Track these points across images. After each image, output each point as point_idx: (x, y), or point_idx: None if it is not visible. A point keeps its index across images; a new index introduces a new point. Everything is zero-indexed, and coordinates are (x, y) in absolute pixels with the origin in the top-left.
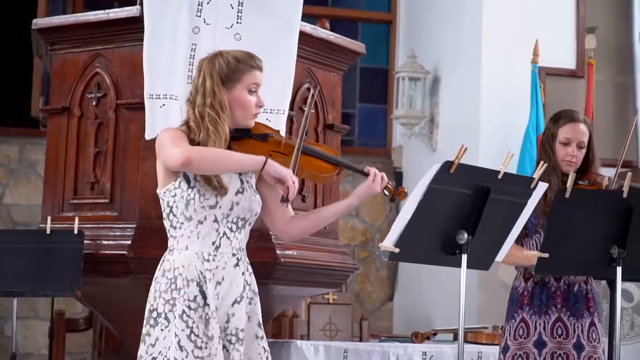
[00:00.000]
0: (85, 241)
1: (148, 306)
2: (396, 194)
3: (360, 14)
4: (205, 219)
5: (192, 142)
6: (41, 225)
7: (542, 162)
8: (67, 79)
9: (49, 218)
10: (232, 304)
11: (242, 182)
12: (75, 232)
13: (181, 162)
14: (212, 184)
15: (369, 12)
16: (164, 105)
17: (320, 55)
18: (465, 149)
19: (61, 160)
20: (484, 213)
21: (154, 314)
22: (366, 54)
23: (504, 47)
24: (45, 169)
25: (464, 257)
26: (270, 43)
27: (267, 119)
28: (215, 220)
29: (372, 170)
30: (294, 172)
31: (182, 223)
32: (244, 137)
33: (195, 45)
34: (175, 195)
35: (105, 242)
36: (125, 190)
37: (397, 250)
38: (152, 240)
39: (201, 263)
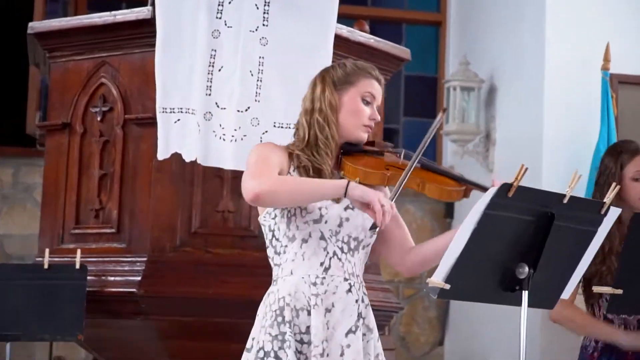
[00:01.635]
0: (88, 277)
1: (250, 344)
2: None
3: (405, 15)
4: (310, 236)
5: (293, 158)
6: (38, 259)
7: (614, 184)
8: (68, 91)
9: (47, 250)
10: (347, 334)
11: None
12: (77, 266)
13: (250, 198)
14: None
15: (415, 12)
16: (179, 120)
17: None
18: (526, 169)
19: (61, 184)
20: (548, 243)
21: (260, 354)
22: (412, 60)
23: (570, 51)
24: (43, 194)
25: (525, 294)
26: (302, 48)
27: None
28: (322, 238)
29: (497, 182)
30: (397, 192)
31: (286, 246)
32: (357, 152)
33: (215, 51)
34: (276, 216)
35: (112, 279)
36: (135, 218)
37: (447, 286)
38: (165, 276)
39: (308, 288)
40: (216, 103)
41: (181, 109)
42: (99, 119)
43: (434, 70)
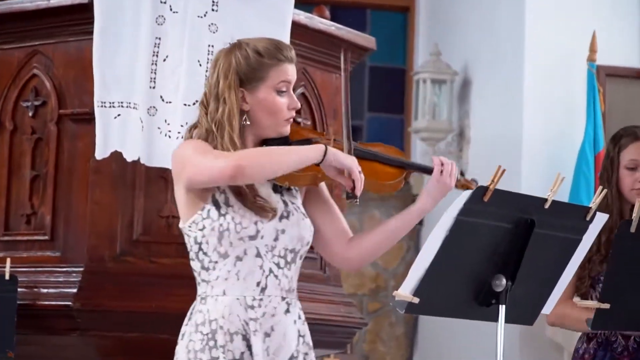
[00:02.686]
0: (19, 289)
1: None
2: (470, 186)
3: (370, 0)
4: (245, 253)
5: None
6: None
7: (600, 187)
8: None
9: None
10: None
11: (285, 203)
12: (7, 277)
13: (230, 172)
14: (254, 204)
15: None
16: (119, 115)
17: (319, 52)
18: (504, 170)
19: None
20: (527, 252)
21: None
22: (377, 50)
23: (552, 40)
24: None
25: (502, 308)
26: (255, 36)
27: None
28: (258, 255)
29: (437, 159)
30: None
31: (216, 262)
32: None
33: (160, 39)
34: (204, 227)
35: (45, 291)
36: (71, 224)
37: (416, 300)
38: (104, 289)
39: (244, 311)
40: (161, 96)
41: (122, 103)
42: (30, 114)
43: (401, 61)
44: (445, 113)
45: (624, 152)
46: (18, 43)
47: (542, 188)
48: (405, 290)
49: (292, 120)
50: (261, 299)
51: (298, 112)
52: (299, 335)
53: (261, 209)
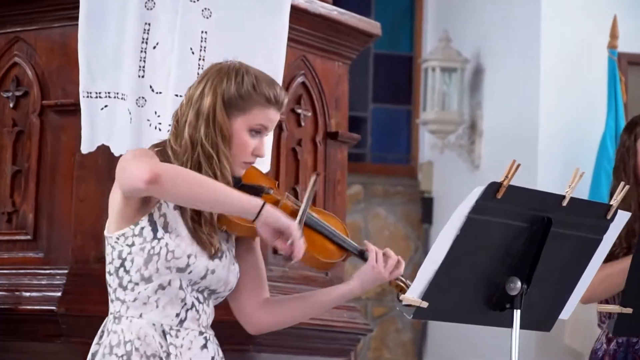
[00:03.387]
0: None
1: None
2: (404, 289)
3: None
4: (169, 284)
5: None
6: None
7: (622, 183)
8: None
9: None
10: None
11: (220, 243)
12: None
13: (147, 177)
14: (202, 235)
15: None
16: (106, 106)
17: (320, 39)
18: (518, 165)
19: None
20: (544, 253)
21: None
22: (382, 36)
23: (570, 26)
24: None
25: (517, 313)
26: (251, 22)
27: None
28: (181, 287)
29: (372, 249)
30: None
31: (137, 284)
32: None
33: (149, 25)
34: (133, 244)
35: (27, 294)
36: (55, 223)
37: (425, 304)
38: (90, 292)
39: (161, 335)
40: (150, 86)
41: (109, 93)
42: (11, 105)
43: (408, 48)
44: (456, 103)
45: None
46: None
47: (559, 184)
48: (413, 294)
49: (250, 165)
50: (179, 330)
51: (298, 102)
52: None
53: (205, 243)
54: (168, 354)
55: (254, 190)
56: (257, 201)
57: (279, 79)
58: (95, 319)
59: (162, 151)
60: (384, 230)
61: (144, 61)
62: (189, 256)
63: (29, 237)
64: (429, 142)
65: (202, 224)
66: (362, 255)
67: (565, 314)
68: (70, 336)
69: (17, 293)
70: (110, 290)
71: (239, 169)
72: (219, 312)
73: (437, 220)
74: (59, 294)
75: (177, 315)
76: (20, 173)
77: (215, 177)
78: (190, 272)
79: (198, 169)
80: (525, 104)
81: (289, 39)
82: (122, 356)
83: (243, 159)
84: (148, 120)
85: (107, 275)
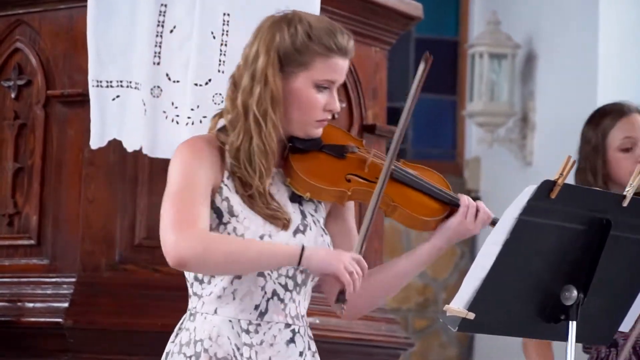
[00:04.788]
0: (0, 303)
1: None
2: None
3: None
4: None
5: (232, 146)
6: None
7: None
8: None
9: None
10: None
11: (303, 215)
12: None
13: (174, 264)
14: (266, 210)
15: None
16: (118, 97)
17: (355, 21)
18: (574, 162)
19: None
20: (602, 259)
21: None
22: (425, 19)
23: (631, 6)
24: None
25: (573, 325)
26: (279, 2)
27: None
28: (261, 274)
29: (464, 202)
30: (370, 221)
31: (213, 276)
32: (310, 150)
33: (166, 6)
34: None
35: (31, 305)
36: (61, 226)
37: (471, 316)
38: (100, 303)
39: (237, 335)
40: (167, 75)
41: (121, 82)
42: (13, 96)
43: (453, 32)
44: (506, 93)
45: (611, 132)
46: None
47: None
48: (459, 305)
49: (325, 123)
50: (259, 324)
51: None
52: None
53: (272, 217)
54: (242, 356)
55: (338, 150)
56: (294, 251)
57: None
58: (106, 332)
59: (225, 127)
60: (426, 234)
61: (160, 46)
62: (261, 237)
63: (32, 241)
64: (477, 136)
65: (257, 198)
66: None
67: (625, 326)
68: (78, 352)
69: (19, 304)
70: (187, 285)
71: (313, 130)
72: None
73: None
74: (66, 304)
75: (257, 307)
76: (23, 171)
77: (264, 147)
78: None
79: (249, 141)
80: (582, 93)
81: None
82: (190, 357)
83: (314, 117)
84: (164, 112)
85: (185, 272)
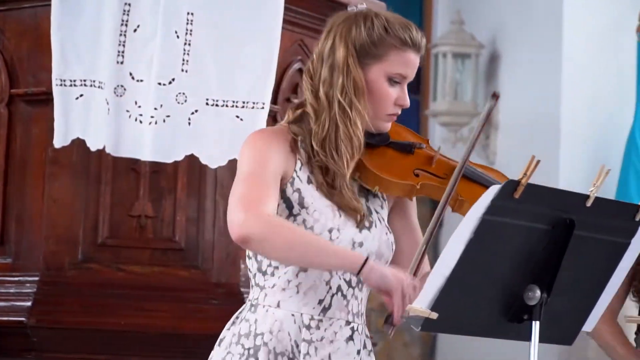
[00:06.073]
0: None
1: None
2: None
3: None
4: None
5: (316, 136)
6: None
7: None
8: None
9: None
10: None
11: (369, 211)
12: None
13: (236, 239)
14: (348, 200)
15: None
16: (82, 95)
17: (319, 20)
18: (538, 161)
19: None
20: (566, 259)
21: None
22: None
23: (596, 6)
24: None
25: (536, 325)
26: (243, 2)
27: (237, 116)
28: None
29: None
30: (437, 222)
31: (277, 267)
32: (379, 145)
33: (130, 5)
34: None
35: None
36: (24, 225)
37: (434, 315)
38: (64, 302)
39: (298, 330)
40: (130, 74)
41: (85, 81)
42: None
43: None
44: (470, 93)
45: None
46: None
47: (583, 182)
48: (422, 304)
49: (395, 117)
50: (320, 320)
51: (294, 91)
52: None
53: (350, 208)
54: (300, 353)
55: (405, 147)
56: (357, 259)
57: (273, 66)
58: (70, 331)
59: (300, 117)
60: None
61: (124, 46)
62: (330, 230)
63: None
64: (440, 135)
65: (338, 187)
66: None
67: (589, 325)
68: (42, 351)
69: None
70: (250, 275)
71: (383, 123)
72: (182, 324)
73: (449, 222)
74: (29, 303)
75: (320, 302)
76: None
77: (351, 135)
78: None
79: (336, 129)
80: (546, 94)
81: (285, 22)
82: (248, 349)
83: (385, 111)
84: (127, 111)
85: (246, 260)
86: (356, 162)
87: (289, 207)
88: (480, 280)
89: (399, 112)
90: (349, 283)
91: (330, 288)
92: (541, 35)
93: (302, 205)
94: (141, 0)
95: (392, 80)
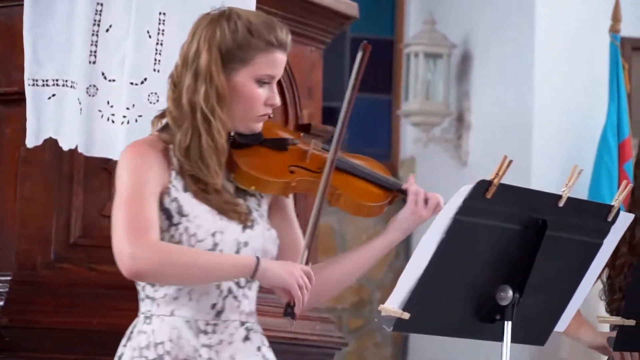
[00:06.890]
0: None
1: None
2: None
3: None
4: None
5: (180, 146)
6: None
7: (624, 181)
8: None
9: None
10: None
11: (249, 210)
12: None
13: (129, 275)
14: (224, 205)
15: None
16: (54, 95)
17: (290, 20)
18: (510, 161)
19: None
20: (538, 259)
21: None
22: (360, 18)
23: (568, 7)
24: None
25: (508, 325)
26: (215, 1)
27: None
28: None
29: (412, 190)
30: (317, 216)
31: None
32: (251, 144)
33: (102, 5)
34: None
35: None
36: None
37: (406, 316)
38: (37, 301)
39: (195, 336)
40: (103, 73)
41: (57, 81)
42: None
43: (389, 32)
44: (442, 93)
45: None
46: None
47: (555, 182)
48: (393, 304)
49: (266, 117)
50: (216, 324)
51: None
52: None
53: (231, 211)
54: (200, 357)
55: (279, 144)
56: (249, 263)
57: None
58: (43, 331)
59: (168, 125)
60: (362, 234)
61: (96, 45)
62: (213, 234)
63: None
64: (412, 135)
65: (213, 192)
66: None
67: (561, 326)
68: (14, 350)
69: None
70: (139, 288)
71: (255, 124)
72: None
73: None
74: (1, 303)
75: (214, 306)
76: None
77: (214, 144)
78: (221, 251)
79: (199, 139)
80: (518, 94)
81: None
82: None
83: (256, 112)
84: (100, 110)
85: None
86: (230, 163)
87: (169, 217)
88: (452, 280)
89: (270, 112)
90: (238, 284)
91: (221, 292)
92: (513, 36)
93: (181, 213)
94: (113, 0)
95: (261, 82)
